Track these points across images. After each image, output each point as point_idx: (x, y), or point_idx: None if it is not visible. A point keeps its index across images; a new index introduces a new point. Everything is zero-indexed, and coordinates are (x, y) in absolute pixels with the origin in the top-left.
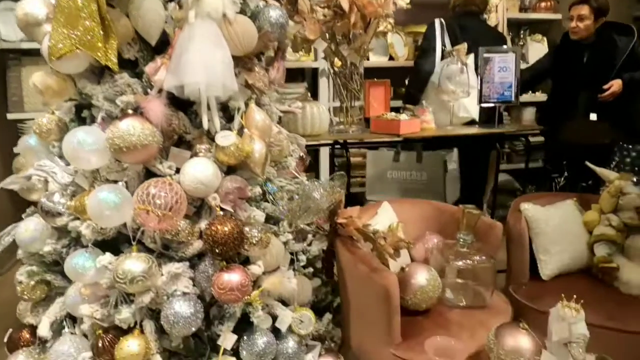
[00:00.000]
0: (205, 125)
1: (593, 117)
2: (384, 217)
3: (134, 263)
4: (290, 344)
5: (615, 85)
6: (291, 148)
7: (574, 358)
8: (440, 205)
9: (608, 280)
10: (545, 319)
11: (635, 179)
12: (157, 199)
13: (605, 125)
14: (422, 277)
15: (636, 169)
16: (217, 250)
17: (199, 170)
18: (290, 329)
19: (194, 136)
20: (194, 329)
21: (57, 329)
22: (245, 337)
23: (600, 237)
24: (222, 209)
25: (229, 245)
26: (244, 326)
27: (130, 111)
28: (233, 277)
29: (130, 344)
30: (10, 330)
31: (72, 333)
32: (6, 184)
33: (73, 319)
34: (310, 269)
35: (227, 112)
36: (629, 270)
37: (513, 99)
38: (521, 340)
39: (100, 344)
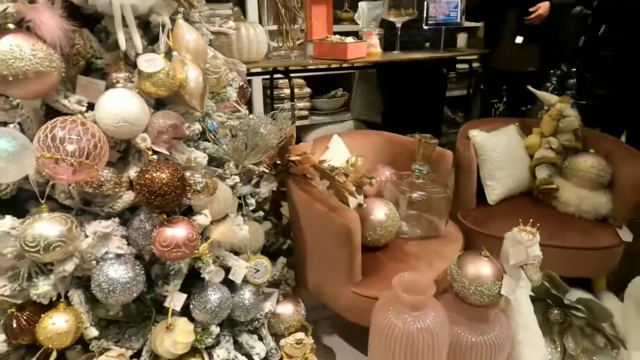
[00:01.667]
0: (123, 45)
1: (519, 40)
2: (335, 152)
3: (46, 226)
4: (247, 295)
5: (542, 7)
6: (230, 76)
7: (530, 278)
8: (391, 136)
9: (547, 201)
10: (493, 243)
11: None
12: (68, 144)
13: (532, 49)
14: (380, 212)
15: (570, 92)
16: (155, 203)
17: (119, 105)
18: (244, 279)
19: (106, 61)
20: (135, 295)
21: None
22: (195, 295)
23: (541, 160)
24: (154, 152)
25: (170, 195)
26: (192, 281)
27: (11, 26)
28: (177, 231)
29: (56, 321)
30: None
31: None
32: None
33: None
34: (261, 213)
35: (148, 31)
36: (566, 191)
37: (458, 19)
38: (483, 267)
39: (15, 325)
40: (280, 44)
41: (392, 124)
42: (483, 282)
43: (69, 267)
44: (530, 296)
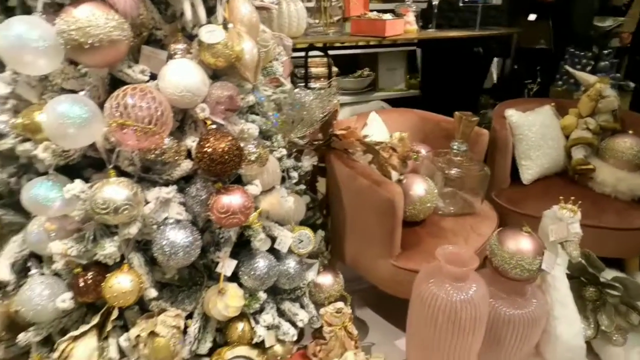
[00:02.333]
0: (189, 15)
1: (532, 17)
2: (374, 128)
3: (115, 190)
4: (291, 264)
5: None
6: (277, 50)
7: (570, 255)
8: (426, 115)
9: (583, 181)
10: (528, 222)
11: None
12: (138, 111)
13: (544, 27)
14: (420, 188)
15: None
16: (215, 170)
17: (183, 75)
18: (289, 249)
19: (165, 33)
20: (193, 258)
21: (19, 271)
22: (244, 262)
23: (577, 141)
24: (212, 122)
25: (229, 163)
26: (238, 250)
27: None
28: (233, 199)
29: (121, 280)
30: None
31: (41, 274)
32: None
33: (39, 258)
34: (302, 186)
35: (204, 3)
36: (603, 171)
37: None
38: (523, 242)
39: (81, 284)
40: (318, 21)
41: (429, 103)
42: (524, 256)
43: (133, 230)
44: (566, 274)
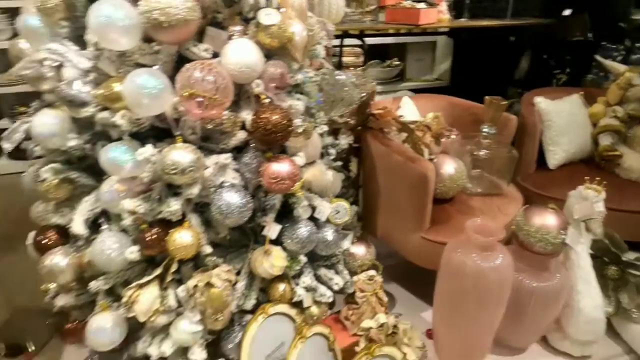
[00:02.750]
0: None
1: (567, 12)
2: (407, 111)
3: (181, 154)
4: (329, 232)
5: None
6: (320, 35)
7: (594, 232)
8: (456, 100)
9: (609, 168)
10: (552, 204)
11: None
12: (205, 83)
13: (581, 20)
14: (450, 167)
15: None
16: (268, 140)
17: (243, 53)
18: (327, 219)
19: (225, 16)
20: (245, 219)
21: (90, 227)
22: (287, 227)
23: (605, 128)
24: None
25: (281, 134)
26: (281, 218)
27: None
28: (282, 166)
29: (183, 235)
30: (34, 232)
31: (110, 230)
32: (18, 69)
33: (107, 216)
34: (339, 163)
35: None
36: (630, 158)
37: None
38: (549, 217)
39: (147, 238)
40: (354, 10)
41: (459, 90)
42: (549, 230)
43: (195, 190)
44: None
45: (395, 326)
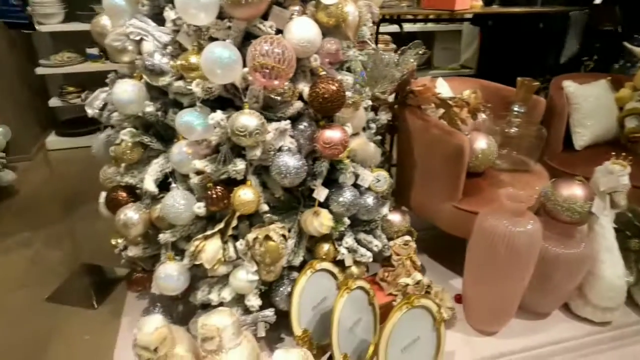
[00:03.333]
0: None
1: (598, 1)
2: (442, 91)
3: (248, 119)
4: (370, 199)
5: None
6: (366, 17)
7: (618, 204)
8: (486, 83)
9: (635, 149)
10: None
11: None
12: (273, 55)
13: (611, 10)
14: (482, 142)
15: None
16: (325, 108)
17: (305, 29)
18: (368, 187)
19: None
20: (301, 179)
21: (158, 186)
22: (333, 192)
23: (631, 111)
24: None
25: (336, 103)
26: (325, 184)
27: None
28: (335, 133)
29: (246, 193)
30: (106, 192)
31: (178, 188)
32: (111, 40)
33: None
34: (379, 137)
35: None
36: None
37: None
38: (576, 188)
39: (213, 195)
40: None
41: (486, 77)
42: (576, 200)
43: (258, 152)
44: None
45: (428, 286)
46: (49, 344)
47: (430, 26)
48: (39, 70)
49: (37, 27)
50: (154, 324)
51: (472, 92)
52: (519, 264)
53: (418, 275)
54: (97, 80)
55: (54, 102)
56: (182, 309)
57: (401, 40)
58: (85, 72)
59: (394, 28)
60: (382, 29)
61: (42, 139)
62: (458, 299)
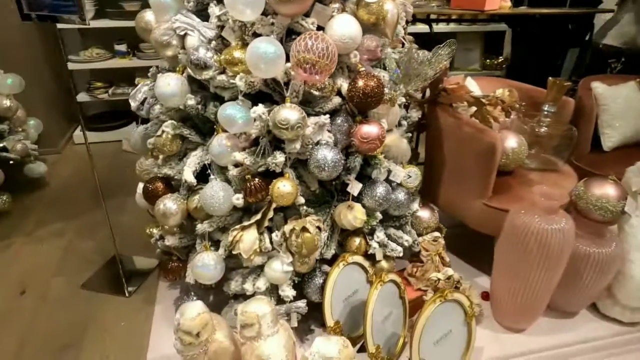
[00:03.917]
0: None
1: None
2: (472, 89)
3: (290, 112)
4: (401, 195)
5: None
6: (401, 15)
7: None
8: (514, 83)
9: None
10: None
11: None
12: (317, 50)
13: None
14: (512, 141)
15: None
16: (364, 103)
17: (347, 26)
18: (399, 183)
19: None
20: (338, 173)
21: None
22: (366, 187)
23: None
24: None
25: (374, 98)
26: (358, 179)
27: None
28: (372, 129)
29: (285, 185)
30: (143, 184)
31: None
32: (159, 34)
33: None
34: (409, 134)
35: None
36: None
37: None
38: (608, 188)
39: (252, 187)
40: None
41: (515, 75)
42: (609, 199)
43: (297, 145)
44: None
45: (458, 281)
46: (86, 329)
47: (452, 27)
48: (69, 66)
49: (87, 22)
50: (196, 310)
51: (508, 90)
52: (551, 262)
53: (450, 271)
54: (124, 76)
55: (82, 97)
56: (213, 299)
57: (425, 41)
58: (113, 68)
59: (417, 28)
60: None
61: (69, 133)
62: (485, 296)
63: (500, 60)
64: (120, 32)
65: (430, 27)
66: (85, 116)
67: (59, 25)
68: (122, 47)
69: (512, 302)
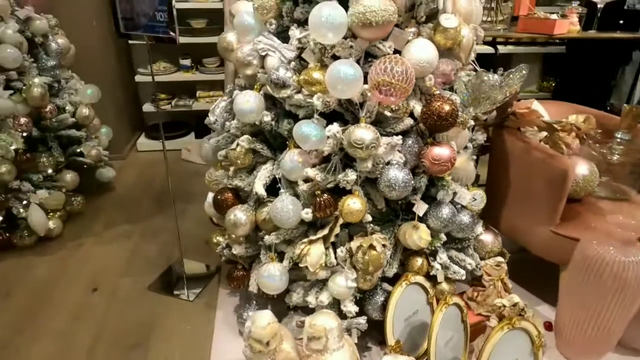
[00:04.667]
0: (441, 4)
1: None
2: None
3: (365, 132)
4: (465, 217)
5: None
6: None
7: None
8: (584, 109)
9: None
10: None
11: None
12: (395, 74)
13: None
14: (583, 168)
15: None
16: (439, 127)
17: (425, 51)
18: (464, 205)
19: (403, 19)
20: (408, 193)
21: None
22: (432, 207)
23: None
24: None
25: (448, 121)
26: (422, 199)
27: None
28: (444, 151)
29: (355, 202)
30: (213, 194)
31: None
32: (243, 54)
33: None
34: (474, 157)
35: None
36: None
37: None
38: None
39: (321, 202)
40: (488, 18)
41: (564, 95)
42: None
43: (369, 164)
44: None
45: (523, 309)
46: (153, 330)
47: (510, 48)
48: (137, 78)
49: (177, 41)
50: (267, 319)
51: (585, 117)
52: (626, 296)
53: (516, 298)
54: (185, 89)
55: (147, 107)
56: (272, 309)
57: (480, 61)
58: (176, 81)
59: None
60: None
61: (133, 140)
62: (547, 326)
63: (557, 82)
64: (185, 48)
65: (496, 49)
66: (146, 125)
67: (131, 41)
68: (187, 62)
69: (580, 335)
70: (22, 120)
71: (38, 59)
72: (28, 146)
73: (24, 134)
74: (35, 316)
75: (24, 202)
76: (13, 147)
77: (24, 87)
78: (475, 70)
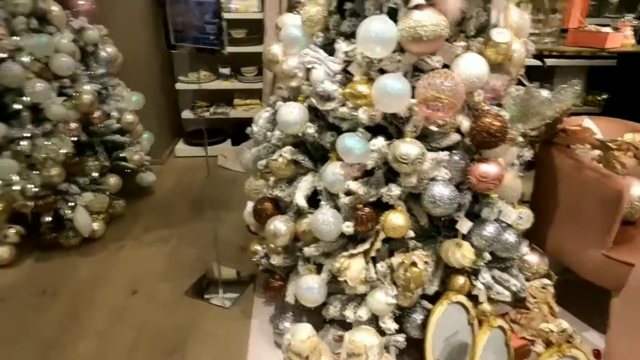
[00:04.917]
0: (493, 18)
1: None
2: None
3: (410, 147)
4: (510, 236)
5: None
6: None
7: None
8: (635, 125)
9: None
10: None
11: None
12: (445, 89)
13: None
14: (638, 189)
15: None
16: (488, 143)
17: (475, 66)
18: (509, 224)
19: (451, 33)
20: (453, 210)
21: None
22: (476, 225)
23: None
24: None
25: (498, 138)
26: (467, 216)
27: (423, 2)
28: (491, 168)
29: (397, 217)
30: (252, 204)
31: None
32: (289, 67)
33: None
34: (521, 174)
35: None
36: None
37: None
38: None
39: (363, 216)
40: (536, 31)
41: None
42: None
43: (414, 179)
44: None
45: (570, 336)
46: (190, 335)
47: (554, 60)
48: (178, 86)
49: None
50: (307, 333)
51: (639, 135)
52: None
53: (564, 323)
54: (223, 97)
55: (186, 114)
56: (307, 321)
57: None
58: (214, 89)
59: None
60: None
61: (172, 146)
62: (596, 354)
63: (604, 97)
64: (225, 57)
65: (543, 62)
66: (185, 132)
67: (174, 51)
68: (226, 70)
69: None
70: (73, 125)
71: (88, 67)
72: (76, 150)
73: (74, 139)
74: (79, 316)
75: (71, 203)
76: (63, 151)
77: (75, 94)
78: (523, 85)
